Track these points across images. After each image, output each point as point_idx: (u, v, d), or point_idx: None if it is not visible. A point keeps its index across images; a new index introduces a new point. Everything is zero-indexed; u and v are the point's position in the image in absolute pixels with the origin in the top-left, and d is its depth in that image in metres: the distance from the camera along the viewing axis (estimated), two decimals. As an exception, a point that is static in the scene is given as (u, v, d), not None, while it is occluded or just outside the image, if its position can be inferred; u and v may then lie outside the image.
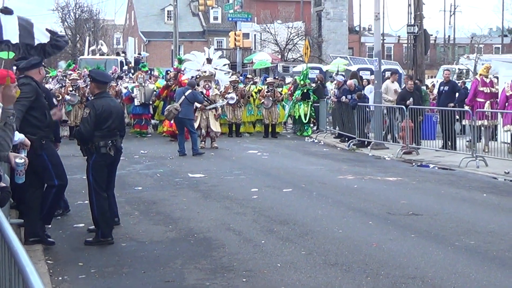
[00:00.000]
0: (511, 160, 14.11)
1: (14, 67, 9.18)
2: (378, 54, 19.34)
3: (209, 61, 20.24)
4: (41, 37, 4.91)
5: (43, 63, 7.83)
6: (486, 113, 15.95)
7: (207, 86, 18.03)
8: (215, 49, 24.75)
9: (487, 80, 16.95)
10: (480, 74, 17.43)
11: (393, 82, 19.58)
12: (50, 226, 8.09)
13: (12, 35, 4.74)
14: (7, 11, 4.83)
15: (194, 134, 16.59)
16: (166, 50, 58.64)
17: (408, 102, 16.86)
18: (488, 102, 16.63)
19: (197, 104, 17.42)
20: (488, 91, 16.77)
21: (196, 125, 17.79)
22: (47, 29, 5.10)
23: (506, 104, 15.79)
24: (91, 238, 7.90)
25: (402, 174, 13.56)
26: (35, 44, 4.91)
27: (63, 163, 7.95)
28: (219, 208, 9.95)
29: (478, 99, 16.63)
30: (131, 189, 11.66)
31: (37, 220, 7.56)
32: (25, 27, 4.86)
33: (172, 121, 18.10)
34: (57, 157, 7.75)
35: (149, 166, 14.70)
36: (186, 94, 16.58)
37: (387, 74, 24.61)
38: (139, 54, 37.34)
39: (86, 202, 8.57)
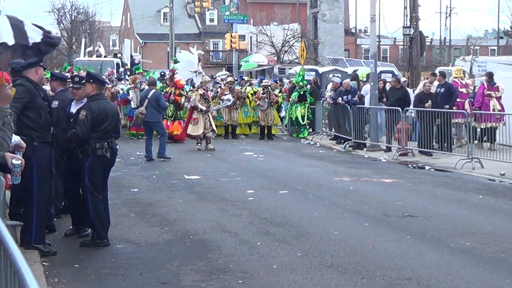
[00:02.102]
0: (508, 162, 14.13)
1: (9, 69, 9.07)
2: (374, 56, 19.32)
3: (199, 60, 20.24)
4: (34, 36, 4.72)
5: (41, 63, 7.69)
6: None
7: (205, 88, 18.05)
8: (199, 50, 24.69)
9: (464, 82, 18.05)
10: (455, 77, 18.10)
11: (431, 83, 17.68)
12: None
13: (7, 36, 4.56)
14: None
15: (163, 137, 15.92)
16: (162, 52, 58.69)
17: (427, 104, 16.21)
18: (467, 101, 17.54)
19: (202, 107, 17.35)
20: (465, 91, 17.79)
21: (201, 129, 17.62)
22: (34, 24, 4.87)
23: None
24: (87, 240, 7.91)
25: (397, 175, 13.58)
26: (30, 44, 4.74)
27: None
28: (215, 210, 9.95)
29: (458, 100, 17.32)
30: (127, 191, 11.66)
31: (33, 224, 7.47)
32: (17, 26, 4.65)
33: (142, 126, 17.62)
34: (45, 162, 7.46)
35: (145, 168, 14.69)
36: (149, 97, 15.99)
37: (383, 76, 24.59)
38: (134, 56, 37.24)
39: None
